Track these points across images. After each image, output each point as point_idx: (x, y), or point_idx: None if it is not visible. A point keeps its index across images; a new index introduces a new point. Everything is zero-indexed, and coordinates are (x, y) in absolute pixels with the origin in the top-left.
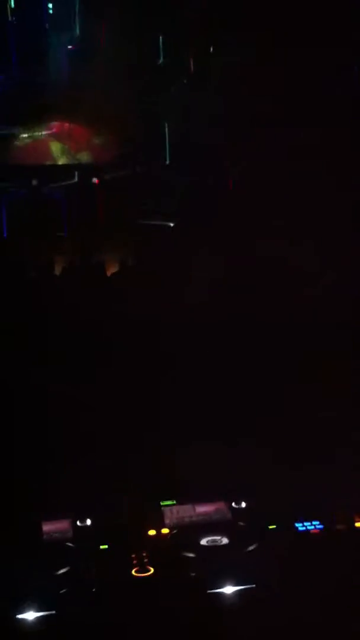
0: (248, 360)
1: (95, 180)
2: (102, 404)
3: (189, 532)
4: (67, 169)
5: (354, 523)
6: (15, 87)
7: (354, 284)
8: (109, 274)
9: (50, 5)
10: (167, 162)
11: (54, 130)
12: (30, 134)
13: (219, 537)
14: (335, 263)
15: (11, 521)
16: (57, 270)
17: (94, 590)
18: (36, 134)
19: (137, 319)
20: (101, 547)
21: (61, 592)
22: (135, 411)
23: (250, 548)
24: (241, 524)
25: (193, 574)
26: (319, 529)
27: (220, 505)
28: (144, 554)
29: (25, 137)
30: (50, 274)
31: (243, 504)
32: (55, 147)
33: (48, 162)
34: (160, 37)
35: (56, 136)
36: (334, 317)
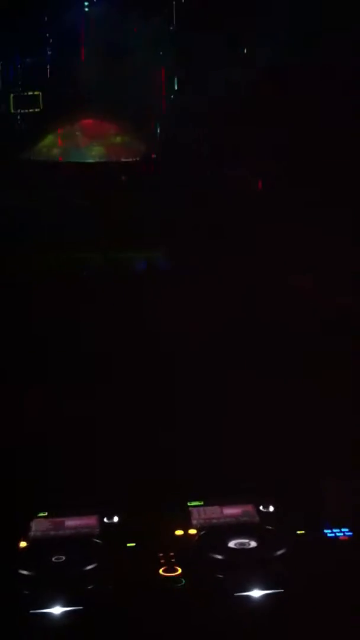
0: (275, 358)
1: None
2: (127, 402)
3: (216, 533)
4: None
5: None
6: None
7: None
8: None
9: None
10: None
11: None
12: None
13: (247, 540)
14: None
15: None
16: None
17: (120, 587)
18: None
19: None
20: (128, 544)
21: (88, 588)
22: (163, 411)
23: (279, 552)
24: (269, 527)
25: (221, 576)
26: (348, 535)
27: (248, 507)
28: (171, 554)
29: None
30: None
31: (271, 508)
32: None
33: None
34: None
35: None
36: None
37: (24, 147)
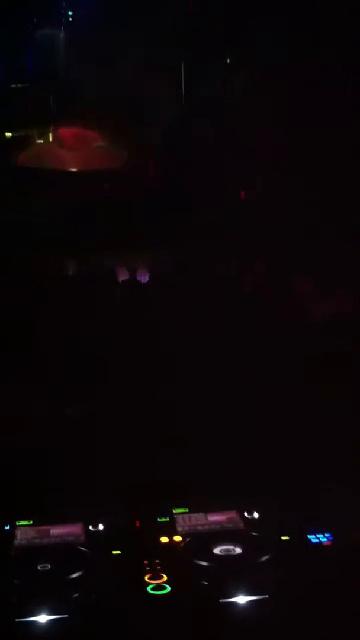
0: (262, 367)
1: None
2: (113, 409)
3: (201, 540)
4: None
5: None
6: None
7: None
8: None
9: (70, 13)
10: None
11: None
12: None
13: (232, 547)
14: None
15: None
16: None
17: (106, 595)
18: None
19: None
20: (114, 552)
21: (73, 596)
22: (147, 418)
23: (264, 558)
24: (254, 534)
25: (206, 582)
26: (331, 540)
27: (233, 514)
28: (157, 561)
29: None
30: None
31: (255, 514)
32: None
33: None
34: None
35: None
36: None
37: (14, 151)
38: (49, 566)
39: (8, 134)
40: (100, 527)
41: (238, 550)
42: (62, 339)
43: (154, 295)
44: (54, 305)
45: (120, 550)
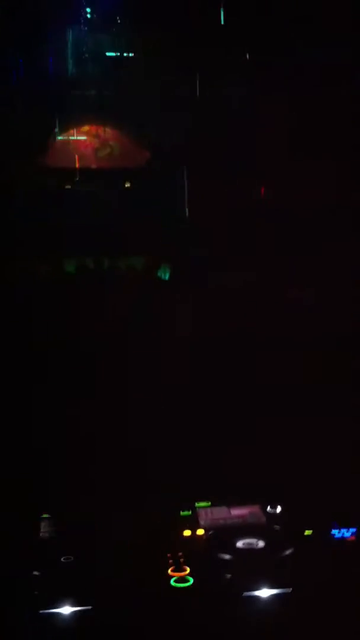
0: (282, 361)
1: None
2: (136, 405)
3: (224, 534)
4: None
5: None
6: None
7: None
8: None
9: (88, 10)
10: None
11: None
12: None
13: (255, 540)
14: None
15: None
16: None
17: (130, 586)
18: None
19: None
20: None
21: (98, 587)
22: (173, 414)
23: (287, 552)
24: (277, 527)
25: (229, 575)
26: (354, 535)
27: (255, 508)
28: (180, 554)
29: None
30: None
31: (278, 509)
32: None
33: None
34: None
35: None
36: None
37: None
38: (72, 558)
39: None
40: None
41: (261, 544)
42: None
43: (154, 299)
44: (53, 308)
45: (145, 543)
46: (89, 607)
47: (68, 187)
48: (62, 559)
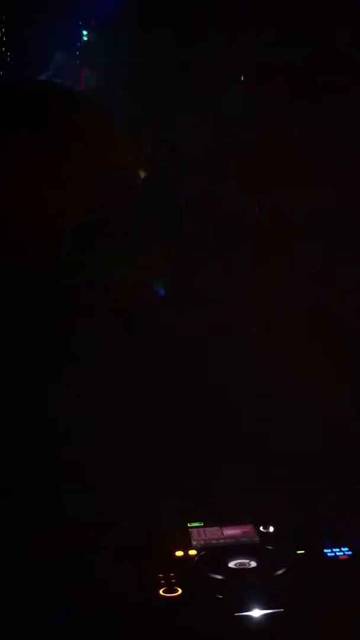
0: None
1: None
2: (127, 423)
3: (216, 554)
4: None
5: None
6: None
7: None
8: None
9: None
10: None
11: None
12: None
13: (247, 560)
14: None
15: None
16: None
17: (120, 608)
18: None
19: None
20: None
21: (92, 607)
22: (163, 433)
23: (279, 572)
24: (269, 547)
25: (221, 596)
26: (347, 555)
27: (248, 528)
28: (172, 575)
29: None
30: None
31: (271, 528)
32: None
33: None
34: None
35: None
36: None
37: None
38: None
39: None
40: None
41: (253, 564)
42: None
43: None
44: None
45: (134, 564)
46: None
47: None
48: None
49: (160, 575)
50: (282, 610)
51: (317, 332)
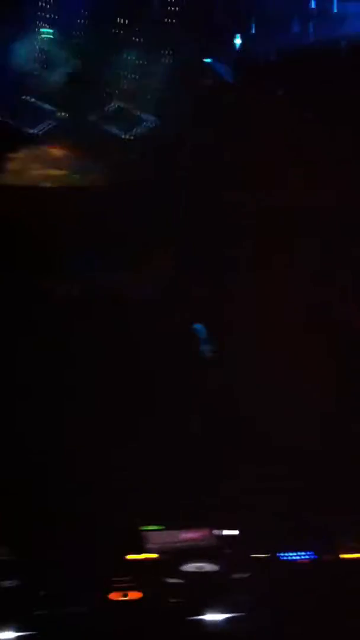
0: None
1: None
2: (84, 425)
3: (173, 557)
4: None
5: (342, 553)
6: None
7: None
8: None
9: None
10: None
11: None
12: None
13: (204, 564)
14: None
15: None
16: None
17: (76, 612)
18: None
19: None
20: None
21: (41, 613)
22: (124, 437)
23: (237, 576)
24: (227, 551)
25: (178, 600)
26: (304, 559)
27: (206, 532)
28: (127, 578)
29: None
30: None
31: (229, 532)
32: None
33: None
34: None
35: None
36: None
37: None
38: (18, 582)
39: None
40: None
41: (211, 567)
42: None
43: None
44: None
45: (89, 567)
46: (33, 633)
47: None
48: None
49: (115, 579)
50: (239, 614)
51: (317, 331)
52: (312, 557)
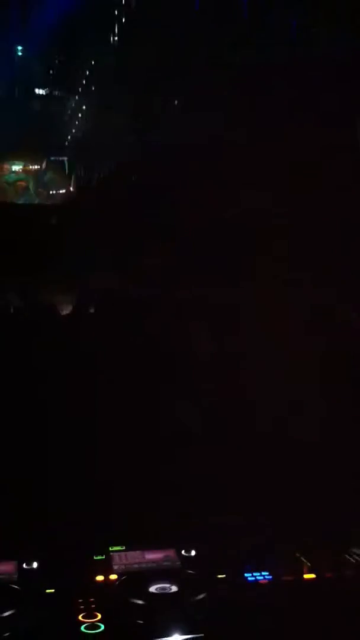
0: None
1: None
2: (51, 447)
3: (137, 578)
4: None
5: (302, 574)
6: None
7: None
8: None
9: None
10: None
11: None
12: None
13: (167, 585)
14: None
15: None
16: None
17: (37, 635)
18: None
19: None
20: (47, 591)
21: (5, 635)
22: (87, 454)
23: (199, 597)
24: (190, 572)
25: (141, 622)
26: (267, 579)
27: (170, 552)
28: (91, 599)
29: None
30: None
31: (192, 552)
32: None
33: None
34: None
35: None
36: None
37: None
38: None
39: None
40: (34, 564)
41: (174, 588)
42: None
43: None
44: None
45: (54, 589)
46: None
47: None
48: None
49: (80, 600)
50: (202, 635)
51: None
52: (271, 578)
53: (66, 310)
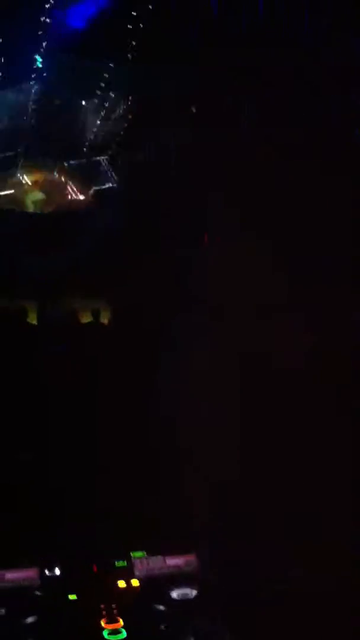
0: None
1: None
2: (68, 455)
3: (159, 584)
4: None
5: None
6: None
7: None
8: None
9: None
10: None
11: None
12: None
13: (188, 590)
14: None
15: None
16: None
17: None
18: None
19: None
20: (70, 597)
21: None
22: (108, 462)
23: (219, 602)
24: (211, 577)
25: (163, 627)
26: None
27: (191, 557)
28: (114, 605)
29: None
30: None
31: (211, 557)
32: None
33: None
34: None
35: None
36: None
37: None
38: (3, 611)
39: None
40: (57, 571)
41: (195, 593)
42: None
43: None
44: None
45: (76, 595)
46: None
47: None
48: None
49: (103, 606)
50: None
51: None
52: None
53: None
